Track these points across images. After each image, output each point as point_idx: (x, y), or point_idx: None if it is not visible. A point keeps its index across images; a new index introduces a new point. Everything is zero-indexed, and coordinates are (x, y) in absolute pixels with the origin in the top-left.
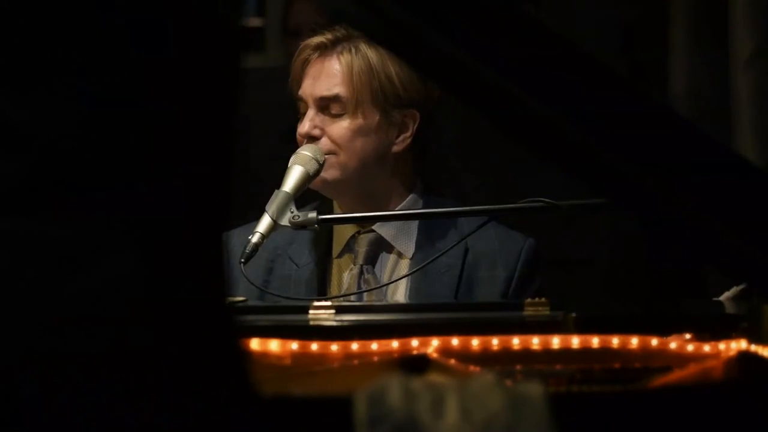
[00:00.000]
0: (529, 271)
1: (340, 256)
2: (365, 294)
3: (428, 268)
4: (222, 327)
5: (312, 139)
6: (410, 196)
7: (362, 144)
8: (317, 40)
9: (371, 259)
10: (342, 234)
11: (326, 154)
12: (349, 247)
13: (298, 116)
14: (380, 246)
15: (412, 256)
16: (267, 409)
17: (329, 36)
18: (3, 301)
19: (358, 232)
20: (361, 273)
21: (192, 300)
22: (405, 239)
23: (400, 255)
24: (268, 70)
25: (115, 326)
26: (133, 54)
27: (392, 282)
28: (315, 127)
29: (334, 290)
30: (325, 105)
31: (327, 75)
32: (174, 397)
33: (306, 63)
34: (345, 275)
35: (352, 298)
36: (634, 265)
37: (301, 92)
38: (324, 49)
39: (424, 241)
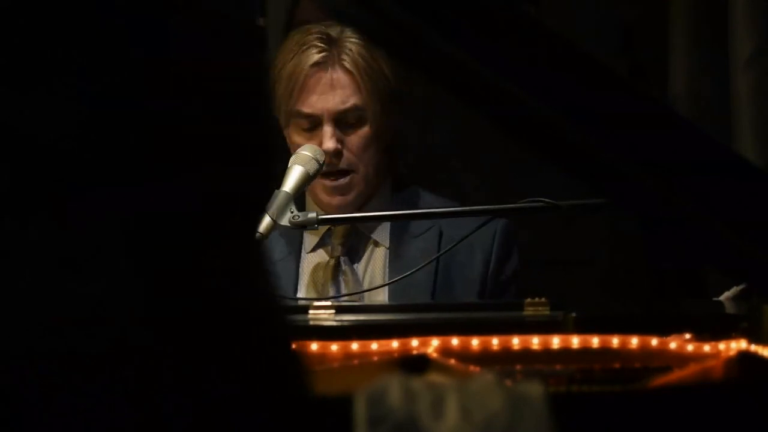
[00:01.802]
0: (506, 251)
1: (314, 249)
2: (343, 287)
3: (405, 256)
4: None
5: (339, 154)
6: (378, 193)
7: (375, 150)
8: (319, 48)
9: (347, 251)
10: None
11: (344, 173)
12: (323, 240)
13: (283, 129)
14: (356, 236)
15: (388, 245)
16: (267, 408)
17: (319, 48)
18: (1, 302)
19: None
20: (337, 265)
21: (197, 305)
22: (380, 229)
23: (376, 244)
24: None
25: (114, 328)
26: (134, 54)
27: (374, 288)
28: (338, 141)
29: (309, 285)
30: (342, 118)
31: (336, 87)
32: (177, 397)
33: (307, 66)
34: (319, 269)
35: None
36: (634, 265)
37: (310, 110)
38: (318, 65)
39: (398, 230)
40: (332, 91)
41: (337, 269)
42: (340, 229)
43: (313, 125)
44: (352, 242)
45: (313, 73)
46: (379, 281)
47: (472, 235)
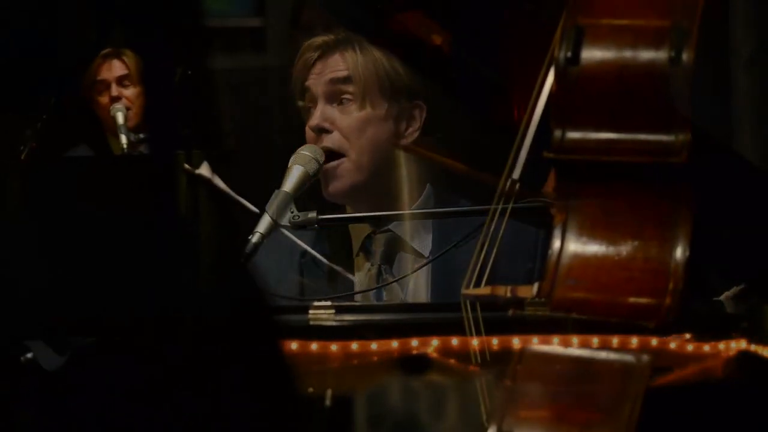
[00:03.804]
0: None
1: (356, 255)
2: (385, 295)
3: (449, 265)
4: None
5: (322, 131)
6: (424, 194)
7: (373, 135)
8: (319, 40)
9: (388, 259)
10: (357, 234)
11: (337, 154)
12: (364, 247)
13: (304, 116)
14: (397, 245)
15: (429, 254)
16: (267, 407)
17: (331, 36)
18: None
19: (374, 232)
20: (379, 273)
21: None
22: (421, 238)
23: (417, 254)
24: (268, 70)
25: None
26: None
27: (405, 276)
28: (325, 120)
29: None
30: (334, 92)
31: (334, 65)
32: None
33: (308, 64)
34: (362, 275)
35: (362, 297)
36: None
37: (307, 92)
38: (326, 49)
39: (441, 239)
40: (326, 69)
41: (379, 277)
42: (380, 237)
43: (313, 104)
44: (392, 251)
45: (315, 60)
46: (422, 291)
47: (513, 246)
